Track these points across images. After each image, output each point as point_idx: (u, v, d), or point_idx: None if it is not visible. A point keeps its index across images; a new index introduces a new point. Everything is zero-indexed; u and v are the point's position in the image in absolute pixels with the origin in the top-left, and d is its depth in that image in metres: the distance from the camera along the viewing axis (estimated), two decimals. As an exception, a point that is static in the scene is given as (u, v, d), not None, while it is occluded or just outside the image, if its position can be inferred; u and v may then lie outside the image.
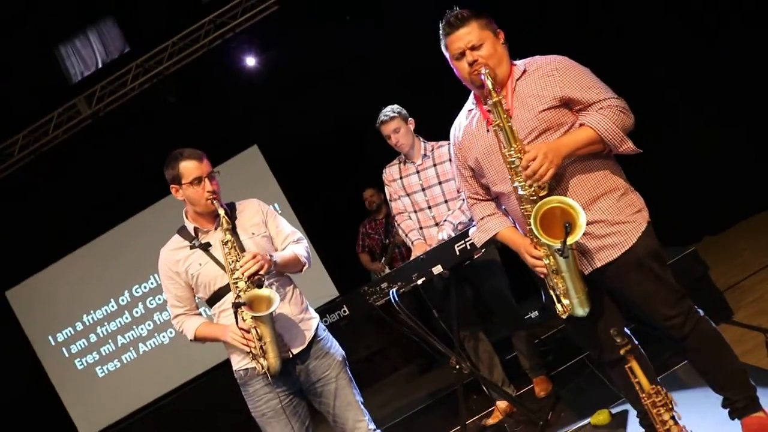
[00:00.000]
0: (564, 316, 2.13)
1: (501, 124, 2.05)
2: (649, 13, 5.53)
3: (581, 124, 2.12)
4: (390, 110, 3.74)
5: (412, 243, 3.74)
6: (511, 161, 2.05)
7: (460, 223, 3.58)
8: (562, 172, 2.11)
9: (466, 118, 2.34)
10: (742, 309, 3.58)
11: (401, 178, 3.83)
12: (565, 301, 2.11)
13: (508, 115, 2.08)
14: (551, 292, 2.15)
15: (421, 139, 3.83)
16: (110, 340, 7.40)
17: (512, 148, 2.05)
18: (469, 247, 3.18)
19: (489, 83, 2.03)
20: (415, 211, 3.80)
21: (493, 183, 2.27)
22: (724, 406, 2.27)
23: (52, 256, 7.40)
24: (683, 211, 5.57)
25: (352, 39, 6.41)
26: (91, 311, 7.41)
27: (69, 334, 7.46)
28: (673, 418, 2.07)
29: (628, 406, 2.96)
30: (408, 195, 3.81)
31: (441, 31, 2.22)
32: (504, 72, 2.18)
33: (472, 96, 2.34)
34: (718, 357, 2.22)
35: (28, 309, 7.48)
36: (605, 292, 2.26)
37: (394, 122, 3.70)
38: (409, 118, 3.78)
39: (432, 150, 3.78)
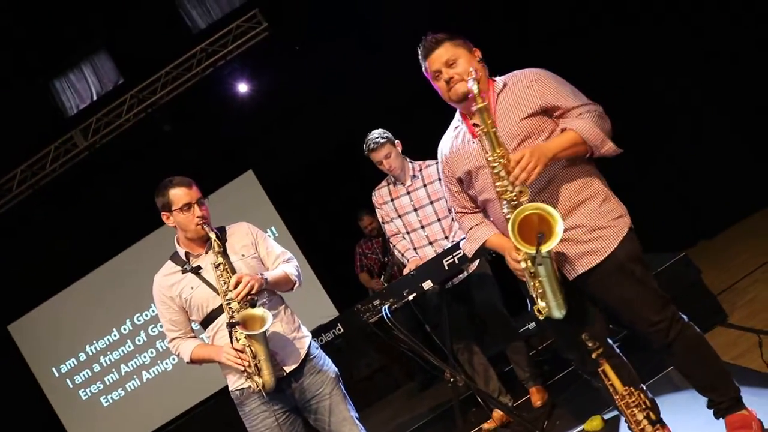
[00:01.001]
0: (541, 318, 2.17)
1: (486, 130, 2.10)
2: (643, 13, 5.59)
3: (563, 129, 2.20)
4: (378, 136, 3.75)
5: (407, 260, 3.77)
6: (494, 165, 2.11)
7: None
8: (544, 179, 2.17)
9: (452, 135, 2.42)
10: (737, 311, 3.60)
11: (392, 200, 3.86)
12: (542, 303, 2.15)
13: (493, 121, 2.14)
14: (531, 293, 2.19)
15: (408, 159, 3.87)
16: (114, 369, 7.43)
17: (496, 153, 2.10)
18: (457, 262, 3.23)
19: (475, 88, 2.08)
20: (408, 232, 3.82)
21: (480, 191, 2.33)
22: (709, 406, 2.31)
23: (52, 289, 7.45)
24: (678, 216, 5.60)
25: (342, 63, 6.49)
26: (94, 341, 7.45)
27: (72, 365, 7.49)
28: (647, 417, 2.10)
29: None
30: (400, 216, 3.83)
31: (420, 56, 2.33)
32: (482, 88, 2.21)
33: (458, 114, 2.42)
34: (703, 361, 2.26)
35: (31, 342, 7.52)
36: (588, 300, 2.30)
37: (384, 149, 3.72)
38: (396, 141, 3.81)
39: (420, 170, 3.81)
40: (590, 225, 2.19)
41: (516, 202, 2.08)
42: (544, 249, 1.96)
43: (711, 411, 2.30)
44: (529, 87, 2.24)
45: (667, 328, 2.18)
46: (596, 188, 2.24)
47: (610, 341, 2.39)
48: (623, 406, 2.09)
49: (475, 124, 2.28)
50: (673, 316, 2.21)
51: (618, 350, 2.41)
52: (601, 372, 2.12)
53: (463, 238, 3.48)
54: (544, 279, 2.09)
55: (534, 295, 2.17)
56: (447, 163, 2.43)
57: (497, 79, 2.34)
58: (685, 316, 2.27)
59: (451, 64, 2.24)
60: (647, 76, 5.52)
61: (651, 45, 5.49)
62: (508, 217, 2.08)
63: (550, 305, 2.14)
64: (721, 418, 2.27)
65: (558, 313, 2.16)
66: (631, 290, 2.18)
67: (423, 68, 2.35)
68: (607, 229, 2.19)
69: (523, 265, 2.12)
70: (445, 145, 2.46)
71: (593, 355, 2.06)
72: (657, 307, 2.19)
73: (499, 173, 2.10)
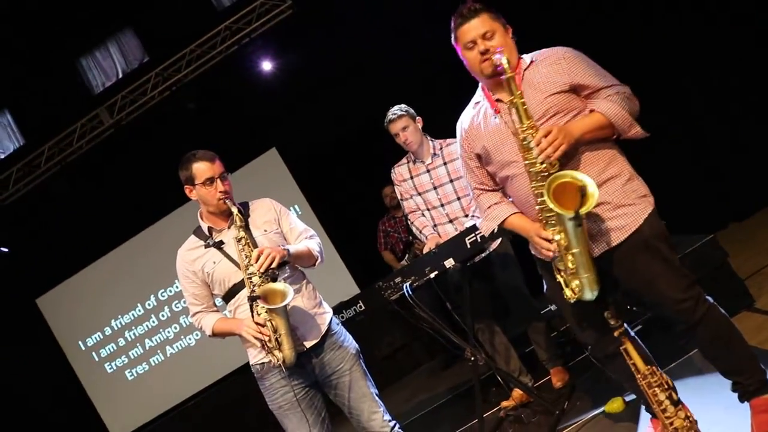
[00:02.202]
0: (573, 300, 2.13)
1: (514, 101, 2.10)
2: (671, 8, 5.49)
3: (591, 110, 2.17)
4: (397, 109, 3.75)
5: (426, 238, 3.75)
6: (523, 138, 2.10)
7: None
8: (569, 156, 2.15)
9: (473, 110, 2.40)
10: (765, 296, 3.54)
11: (411, 177, 3.84)
12: (575, 283, 2.11)
13: (521, 92, 2.14)
14: (559, 277, 2.17)
15: (429, 137, 3.84)
16: (138, 344, 7.57)
17: (524, 125, 2.09)
18: (479, 240, 3.20)
19: (504, 61, 2.07)
20: (428, 209, 3.80)
21: (501, 167, 2.30)
22: (734, 390, 2.27)
23: (79, 263, 7.59)
24: (709, 197, 5.51)
25: (367, 41, 6.45)
26: (119, 316, 7.59)
27: (98, 339, 7.64)
28: (669, 398, 2.07)
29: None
30: (420, 194, 3.81)
31: (453, 23, 2.28)
32: (513, 63, 2.21)
33: (479, 89, 2.39)
34: (729, 343, 2.23)
35: (59, 315, 7.69)
36: (609, 280, 2.25)
37: (402, 120, 3.72)
38: (417, 117, 3.79)
39: (441, 148, 3.79)
40: (615, 202, 2.17)
41: (546, 173, 2.07)
42: (585, 207, 1.94)
43: (735, 394, 2.27)
44: (556, 64, 2.21)
45: (693, 307, 2.15)
46: (621, 167, 2.22)
47: (626, 325, 2.34)
48: (645, 385, 2.06)
49: (498, 100, 2.26)
50: (699, 297, 2.18)
51: (633, 334, 2.37)
52: (623, 350, 2.09)
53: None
54: (576, 250, 2.05)
55: (563, 280, 2.15)
56: (466, 138, 2.41)
57: (524, 56, 2.31)
58: (710, 298, 2.24)
59: (489, 37, 2.21)
60: (682, 60, 5.41)
61: (689, 31, 5.38)
62: (537, 192, 2.07)
63: (582, 281, 2.09)
64: (746, 402, 2.24)
65: (590, 293, 2.11)
66: (657, 268, 2.16)
67: (453, 37, 2.30)
68: (632, 207, 2.17)
69: (557, 237, 2.08)
70: (465, 120, 2.43)
71: (615, 333, 2.03)
72: (682, 286, 2.16)
73: (528, 145, 2.09)
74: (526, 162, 2.12)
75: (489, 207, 2.40)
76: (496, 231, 2.42)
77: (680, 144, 5.50)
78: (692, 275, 2.20)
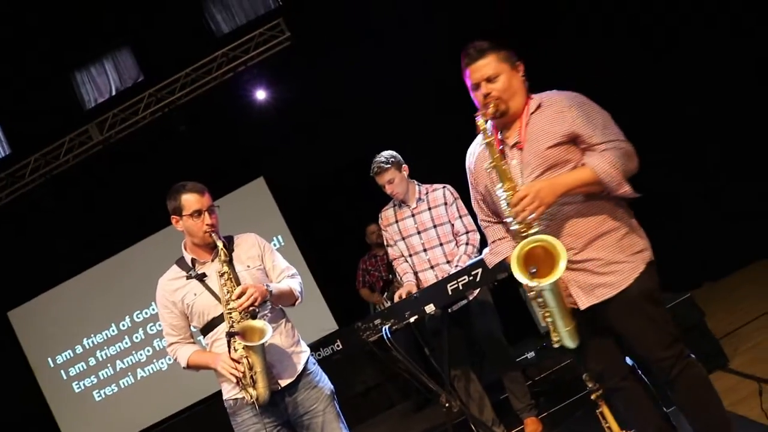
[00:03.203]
0: (556, 346, 2.20)
1: (494, 164, 2.12)
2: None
3: (583, 164, 2.15)
4: (383, 160, 3.73)
5: (403, 284, 3.74)
6: (503, 198, 2.12)
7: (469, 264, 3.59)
8: (566, 210, 2.16)
9: (479, 146, 2.38)
10: (738, 356, 3.58)
11: (397, 222, 3.86)
12: (554, 335, 2.18)
13: (513, 148, 2.19)
14: (542, 323, 2.23)
15: (416, 182, 3.87)
16: (109, 365, 7.43)
17: (502, 186, 2.12)
18: (461, 288, 3.22)
19: (482, 123, 2.11)
20: (411, 255, 3.82)
21: (501, 212, 2.29)
22: None
23: (55, 279, 7.47)
24: (684, 256, 5.58)
25: (362, 77, 6.53)
26: (92, 335, 7.46)
27: (68, 357, 7.50)
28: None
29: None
30: (404, 239, 3.83)
31: (461, 61, 2.28)
32: (518, 105, 2.23)
33: (489, 125, 2.34)
34: (705, 404, 2.23)
35: (29, 330, 7.53)
36: (601, 325, 2.28)
37: (388, 173, 3.72)
38: (403, 165, 3.80)
39: (426, 193, 3.82)
40: (607, 258, 2.17)
41: (525, 233, 2.07)
42: (545, 282, 1.97)
43: None
44: (560, 112, 2.18)
45: (671, 366, 2.16)
46: (618, 222, 2.20)
47: (629, 363, 2.36)
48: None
49: (502, 141, 2.28)
50: (680, 354, 2.18)
51: (640, 372, 2.39)
52: (599, 414, 2.11)
53: (477, 256, 3.47)
54: (552, 310, 2.09)
55: (546, 325, 2.18)
56: (472, 171, 2.41)
57: (534, 96, 2.29)
58: (693, 356, 2.24)
59: (492, 80, 2.21)
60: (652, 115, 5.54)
61: (671, 78, 5.51)
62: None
63: (561, 335, 2.15)
64: None
65: (570, 343, 2.18)
66: (639, 326, 2.17)
67: (464, 73, 2.29)
68: (623, 264, 2.17)
69: (531, 294, 2.11)
70: (472, 153, 2.43)
71: (592, 396, 2.06)
72: (664, 344, 2.17)
73: (508, 204, 2.11)
74: (507, 219, 2.15)
75: (494, 241, 2.42)
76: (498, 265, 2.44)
77: (654, 199, 5.58)
78: (676, 332, 2.21)
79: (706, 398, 2.24)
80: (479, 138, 2.38)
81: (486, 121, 2.20)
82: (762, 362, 3.35)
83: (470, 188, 2.48)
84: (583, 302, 2.19)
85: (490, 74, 2.20)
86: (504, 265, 2.40)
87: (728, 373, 3.39)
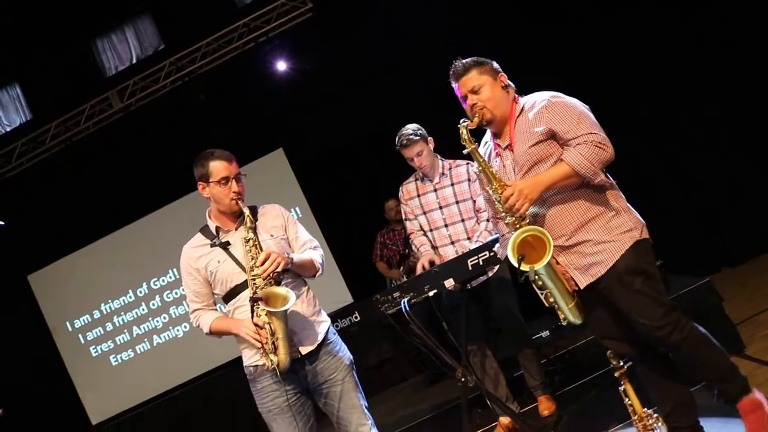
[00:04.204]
0: (564, 323, 2.40)
1: (482, 168, 2.41)
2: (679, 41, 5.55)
3: (560, 159, 2.36)
4: (411, 133, 3.71)
5: (422, 254, 3.75)
6: (495, 197, 2.37)
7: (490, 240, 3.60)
8: (551, 202, 2.39)
9: (484, 147, 2.62)
10: (755, 343, 3.57)
11: (419, 196, 3.85)
12: (560, 313, 2.39)
13: (506, 149, 2.46)
14: (550, 303, 2.39)
15: (439, 157, 3.85)
16: (126, 330, 7.53)
17: (492, 187, 2.37)
18: (481, 263, 3.23)
19: (465, 134, 2.38)
20: (431, 230, 3.81)
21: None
22: (719, 397, 2.43)
23: (74, 244, 7.55)
24: (704, 241, 5.56)
25: (383, 49, 6.49)
26: (109, 300, 7.55)
27: (86, 321, 7.60)
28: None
29: (627, 431, 2.97)
30: (425, 213, 3.82)
31: (450, 78, 2.56)
32: (503, 112, 2.48)
33: (488, 131, 2.62)
34: (709, 359, 2.38)
35: (49, 294, 7.63)
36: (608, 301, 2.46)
37: (417, 146, 3.70)
38: (429, 138, 3.79)
39: (450, 169, 3.80)
40: (596, 239, 2.37)
41: (517, 226, 2.33)
42: (537, 266, 2.19)
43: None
44: (538, 114, 2.40)
45: (669, 333, 2.30)
46: (603, 207, 2.40)
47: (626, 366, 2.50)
48: (641, 427, 2.10)
49: (498, 144, 2.52)
50: (676, 323, 2.32)
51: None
52: (621, 391, 2.14)
53: (492, 240, 3.51)
54: (551, 291, 2.32)
55: (551, 305, 2.38)
56: (478, 174, 2.61)
57: (520, 100, 2.52)
58: (692, 322, 2.37)
59: (476, 91, 2.45)
60: (683, 103, 5.48)
61: (687, 66, 5.45)
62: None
63: (565, 312, 2.37)
64: (734, 405, 2.40)
65: (574, 319, 2.39)
66: (630, 299, 2.34)
67: (454, 88, 2.56)
68: (611, 243, 2.36)
69: (531, 278, 2.27)
70: (481, 154, 2.60)
71: (616, 374, 2.09)
72: (658, 314, 2.31)
73: (499, 202, 2.36)
74: (500, 216, 2.42)
75: (503, 235, 2.64)
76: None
77: (676, 185, 5.55)
78: (669, 302, 2.38)
79: (711, 352, 2.38)
80: (484, 139, 2.66)
81: (468, 130, 2.41)
82: (778, 350, 3.35)
83: (479, 188, 2.76)
84: (581, 282, 2.39)
85: (474, 86, 2.46)
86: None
87: (744, 359, 3.38)
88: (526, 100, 2.51)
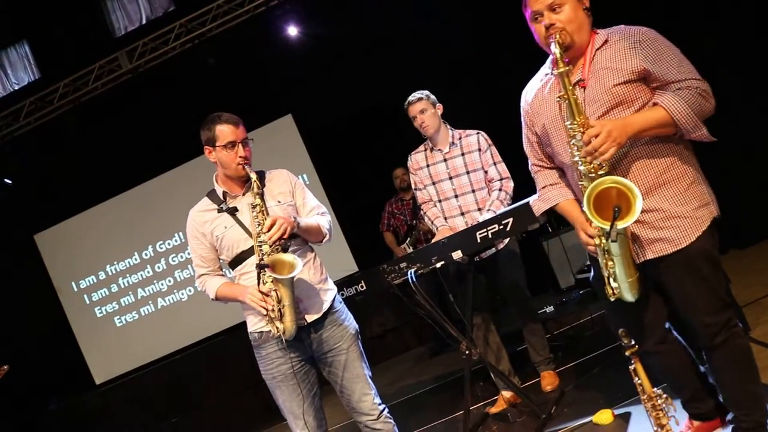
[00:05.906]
0: (612, 299, 2.05)
1: (566, 96, 1.96)
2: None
3: (654, 103, 2.00)
4: (418, 92, 3.71)
5: (437, 229, 3.72)
6: (573, 135, 1.97)
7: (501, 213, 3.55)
8: (627, 152, 2.02)
9: (540, 81, 2.24)
10: (761, 326, 3.54)
11: (428, 166, 3.79)
12: (615, 284, 2.03)
13: (575, 87, 2.01)
14: (602, 273, 2.06)
15: (449, 126, 3.79)
16: (130, 292, 7.58)
17: (575, 122, 1.96)
18: (490, 236, 3.19)
19: (557, 52, 1.95)
20: (440, 201, 3.76)
21: (557, 153, 2.19)
22: (730, 422, 2.25)
23: (82, 205, 7.57)
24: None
25: (396, 17, 6.39)
26: (115, 262, 7.60)
27: (91, 282, 7.65)
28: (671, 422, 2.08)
29: (631, 408, 2.98)
30: (434, 183, 3.76)
31: None
32: (583, 39, 2.07)
33: (549, 59, 2.20)
34: (741, 375, 2.15)
35: (55, 254, 7.68)
36: (652, 283, 2.18)
37: (421, 103, 3.67)
38: (437, 104, 3.74)
39: (460, 138, 3.74)
40: (670, 210, 2.04)
41: (593, 174, 1.95)
42: (620, 225, 1.84)
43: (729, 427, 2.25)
44: (631, 48, 2.01)
45: (716, 333, 2.08)
46: (684, 170, 2.06)
47: (668, 326, 2.29)
48: (650, 407, 2.07)
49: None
50: (727, 322, 2.09)
51: (675, 334, 2.33)
52: (632, 370, 2.09)
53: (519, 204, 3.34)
54: (616, 258, 1.97)
55: (606, 275, 2.04)
56: (528, 111, 2.27)
57: (600, 32, 2.11)
58: (740, 325, 2.14)
59: (555, 9, 2.03)
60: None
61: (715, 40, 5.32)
62: (583, 190, 1.95)
63: (621, 286, 2.02)
64: None
65: (630, 296, 2.05)
66: (693, 288, 2.07)
67: (523, 3, 2.12)
68: (686, 220, 2.03)
69: (596, 241, 2.00)
70: (529, 91, 2.28)
71: (627, 353, 2.03)
72: (714, 309, 2.07)
73: (577, 143, 1.97)
74: (574, 159, 2.00)
75: (544, 187, 2.30)
76: (544, 211, 2.33)
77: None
78: (728, 299, 2.12)
79: (745, 372, 2.15)
80: (539, 74, 2.27)
81: (560, 51, 1.99)
82: (784, 333, 3.32)
83: (524, 130, 2.33)
84: (639, 256, 2.08)
85: (553, 1, 2.02)
86: (536, 216, 2.34)
87: (749, 342, 3.36)
88: (609, 32, 2.09)
